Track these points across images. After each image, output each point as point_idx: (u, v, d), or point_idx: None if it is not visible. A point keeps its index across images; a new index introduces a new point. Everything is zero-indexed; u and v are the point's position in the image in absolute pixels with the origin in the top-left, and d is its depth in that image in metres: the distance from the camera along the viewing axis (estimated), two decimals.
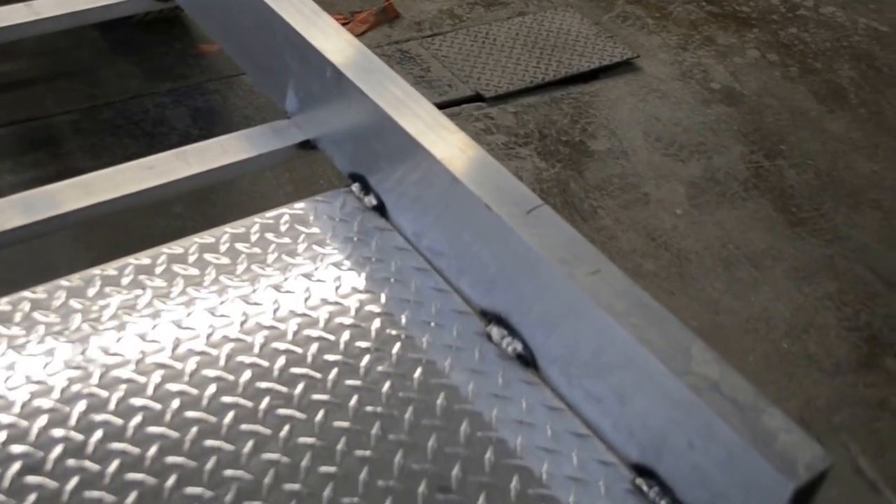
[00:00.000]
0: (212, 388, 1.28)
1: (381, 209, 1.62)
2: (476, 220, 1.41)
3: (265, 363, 1.33)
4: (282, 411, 1.27)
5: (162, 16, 3.23)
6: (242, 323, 1.38)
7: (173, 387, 1.28)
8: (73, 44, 3.36)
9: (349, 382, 1.33)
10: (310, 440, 1.24)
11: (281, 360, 1.34)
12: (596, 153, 4.24)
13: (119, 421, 1.22)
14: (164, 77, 3.26)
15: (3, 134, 2.92)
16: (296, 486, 1.18)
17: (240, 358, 1.33)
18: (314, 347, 1.37)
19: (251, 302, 1.41)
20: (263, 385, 1.29)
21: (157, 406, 1.25)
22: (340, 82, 1.62)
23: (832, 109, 4.80)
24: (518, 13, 4.95)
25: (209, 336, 1.35)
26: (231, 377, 1.30)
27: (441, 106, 3.40)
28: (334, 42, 1.68)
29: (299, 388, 1.30)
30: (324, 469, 1.22)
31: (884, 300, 3.81)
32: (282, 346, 1.37)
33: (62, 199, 1.59)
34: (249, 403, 1.27)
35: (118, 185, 1.64)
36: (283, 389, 1.30)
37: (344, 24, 1.73)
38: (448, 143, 1.48)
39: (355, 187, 1.65)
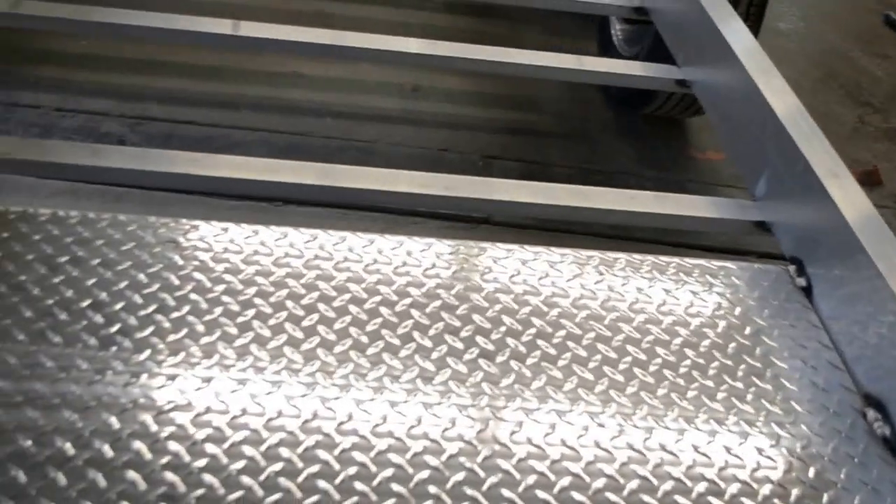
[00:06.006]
0: None
1: (807, 291, 1.80)
2: (891, 319, 1.53)
3: None
4: None
5: (670, 114, 3.55)
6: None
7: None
8: (586, 115, 3.77)
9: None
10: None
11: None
12: None
13: None
14: (653, 166, 3.56)
15: (513, 167, 3.40)
16: None
17: None
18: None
19: None
20: None
21: None
22: (809, 180, 1.83)
23: None
24: None
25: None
26: None
27: None
28: (815, 148, 1.88)
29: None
30: None
31: None
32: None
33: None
34: None
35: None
36: None
37: None
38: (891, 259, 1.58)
39: (792, 268, 1.84)
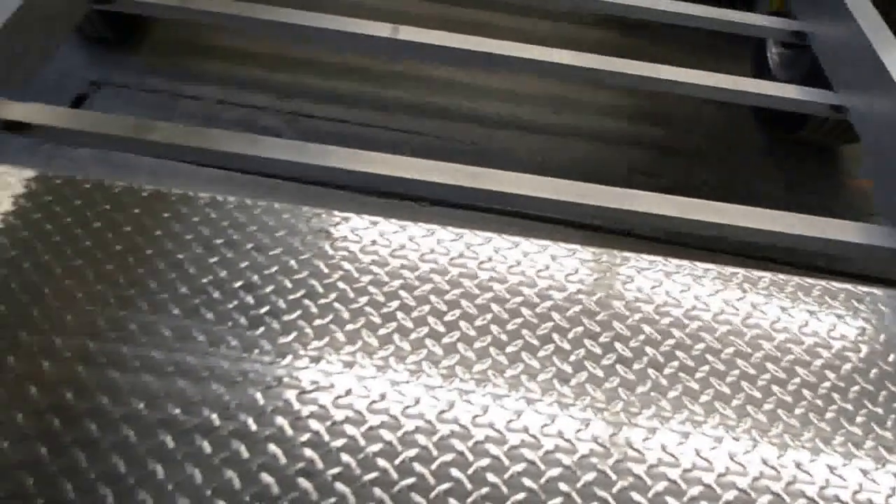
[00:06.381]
0: None
1: None
2: None
3: None
4: None
5: (822, 140, 3.48)
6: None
7: None
8: (736, 136, 3.71)
9: None
10: None
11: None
12: None
13: None
14: (802, 190, 3.48)
15: (657, 183, 3.34)
16: None
17: None
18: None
19: None
20: None
21: None
22: None
23: None
24: None
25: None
26: None
27: None
28: None
29: None
30: None
31: None
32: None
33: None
34: None
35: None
36: None
37: None
38: None
39: None
